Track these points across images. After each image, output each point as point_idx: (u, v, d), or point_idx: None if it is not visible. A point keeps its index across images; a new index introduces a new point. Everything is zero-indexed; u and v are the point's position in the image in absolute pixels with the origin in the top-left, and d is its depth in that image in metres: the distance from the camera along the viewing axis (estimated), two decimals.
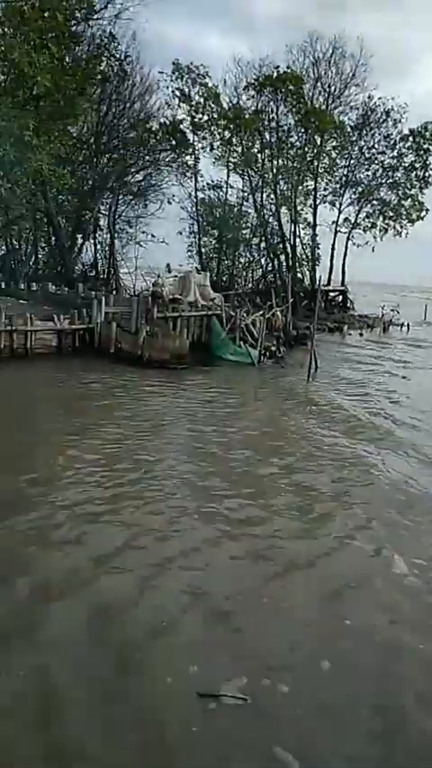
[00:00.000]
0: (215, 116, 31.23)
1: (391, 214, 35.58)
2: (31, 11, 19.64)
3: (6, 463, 8.64)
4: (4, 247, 30.35)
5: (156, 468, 9.05)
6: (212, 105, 31.43)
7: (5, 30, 20.36)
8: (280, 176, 31.54)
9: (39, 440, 10.23)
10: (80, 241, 30.59)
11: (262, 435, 11.49)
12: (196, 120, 31.22)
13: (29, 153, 20.85)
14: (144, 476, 8.69)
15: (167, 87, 30.49)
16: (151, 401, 13.69)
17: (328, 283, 35.29)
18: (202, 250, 34.31)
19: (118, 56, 28.37)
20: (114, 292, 26.27)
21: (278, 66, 29.84)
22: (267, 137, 31.41)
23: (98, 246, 31.79)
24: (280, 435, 11.70)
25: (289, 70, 29.72)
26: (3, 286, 24.40)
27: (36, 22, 19.51)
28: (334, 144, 33.61)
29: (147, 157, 30.75)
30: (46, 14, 19.89)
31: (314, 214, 33.65)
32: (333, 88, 32.20)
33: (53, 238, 29.37)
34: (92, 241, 31.31)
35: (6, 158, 20.66)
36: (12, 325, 16.01)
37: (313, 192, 33.41)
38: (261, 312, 21.97)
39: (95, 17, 26.36)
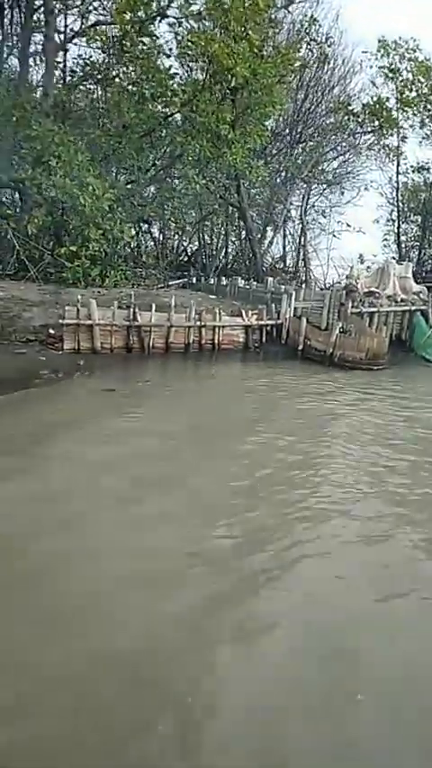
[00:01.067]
0: (426, 90, 27.94)
1: None
2: (234, 1, 19.26)
3: None
4: (196, 242, 31.16)
5: None
6: (422, 80, 28.21)
7: (206, 24, 20.38)
8: None
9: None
10: (270, 234, 30.05)
11: None
12: (404, 97, 28.30)
13: (224, 148, 20.66)
14: None
15: (371, 67, 28.20)
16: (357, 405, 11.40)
17: None
18: (401, 238, 31.26)
19: (319, 40, 27.08)
20: (303, 285, 25.11)
21: None
22: None
23: (288, 238, 30.99)
24: None
25: None
26: (194, 281, 24.86)
27: (237, 10, 19.04)
28: None
29: (345, 143, 28.91)
30: (247, 3, 19.31)
31: None
32: None
33: (243, 232, 29.28)
34: (282, 233, 30.61)
35: (202, 154, 20.70)
36: (201, 321, 15.81)
37: None
38: None
39: (297, 1, 25.42)
